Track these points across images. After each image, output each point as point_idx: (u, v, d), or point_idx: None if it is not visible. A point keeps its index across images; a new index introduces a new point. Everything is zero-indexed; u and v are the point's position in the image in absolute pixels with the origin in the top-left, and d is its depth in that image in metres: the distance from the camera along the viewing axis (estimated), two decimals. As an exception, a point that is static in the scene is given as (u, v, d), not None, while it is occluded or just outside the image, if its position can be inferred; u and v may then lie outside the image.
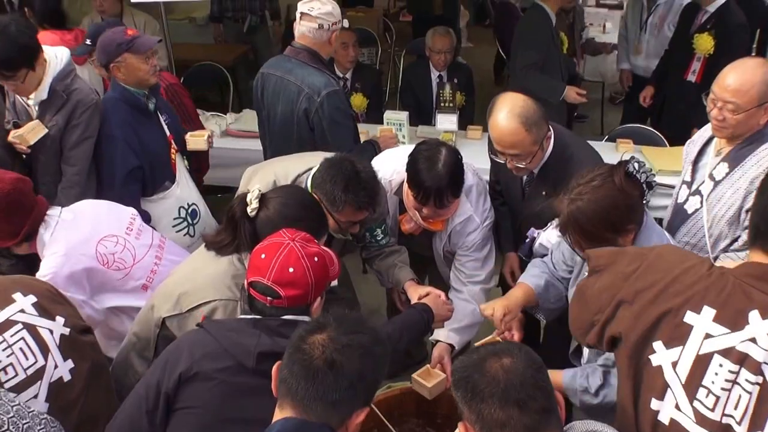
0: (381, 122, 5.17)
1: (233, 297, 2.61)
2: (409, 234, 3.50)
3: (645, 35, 6.46)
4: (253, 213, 2.59)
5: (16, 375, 2.33)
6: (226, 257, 2.68)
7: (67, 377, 2.45)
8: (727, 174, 3.15)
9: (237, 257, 2.68)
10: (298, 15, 3.97)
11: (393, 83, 8.23)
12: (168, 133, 4.10)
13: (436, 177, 3.11)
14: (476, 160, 3.83)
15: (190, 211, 4.19)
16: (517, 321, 3.15)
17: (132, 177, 3.87)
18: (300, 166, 3.28)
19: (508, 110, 3.08)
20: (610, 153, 5.25)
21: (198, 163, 4.43)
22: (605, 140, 5.70)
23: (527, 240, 3.37)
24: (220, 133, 5.27)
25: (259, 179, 3.28)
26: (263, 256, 2.23)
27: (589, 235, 2.50)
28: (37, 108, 3.76)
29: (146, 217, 3.89)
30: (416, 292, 3.30)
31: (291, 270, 2.20)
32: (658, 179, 4.55)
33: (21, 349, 2.35)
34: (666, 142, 5.40)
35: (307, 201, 2.72)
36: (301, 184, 3.18)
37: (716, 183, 3.18)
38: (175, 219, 4.12)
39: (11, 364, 2.32)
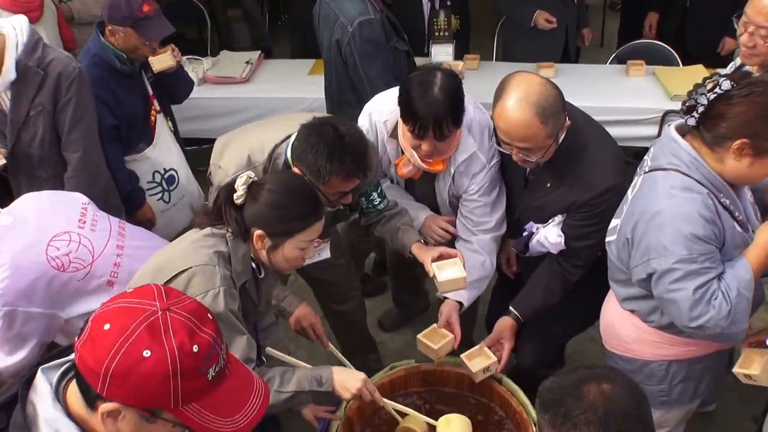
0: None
1: (210, 263, 2.38)
2: (409, 180, 3.25)
3: None
4: (240, 201, 2.39)
5: None
6: (208, 229, 2.48)
7: None
8: None
9: (216, 230, 2.46)
10: None
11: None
12: (151, 92, 3.83)
13: (433, 103, 2.75)
14: (475, 94, 3.42)
15: (166, 176, 3.96)
16: (508, 330, 3.03)
17: (109, 137, 3.62)
18: (276, 135, 2.98)
19: (522, 97, 2.57)
20: (618, 76, 4.97)
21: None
22: (610, 61, 5.34)
23: (524, 234, 3.03)
24: (198, 81, 4.95)
25: (232, 153, 3.01)
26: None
27: None
28: (9, 94, 3.29)
29: (134, 177, 3.78)
30: (427, 256, 3.02)
31: (106, 327, 1.47)
32: (673, 106, 4.30)
33: None
34: (679, 61, 5.03)
35: (297, 185, 2.48)
36: (279, 157, 2.93)
37: None
38: (148, 183, 3.91)
39: None
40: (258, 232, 2.38)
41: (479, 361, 2.95)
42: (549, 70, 4.92)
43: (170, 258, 2.46)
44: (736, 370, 2.55)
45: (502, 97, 2.62)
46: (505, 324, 3.07)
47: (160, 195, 3.95)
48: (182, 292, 1.91)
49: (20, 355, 2.80)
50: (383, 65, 3.70)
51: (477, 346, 3.00)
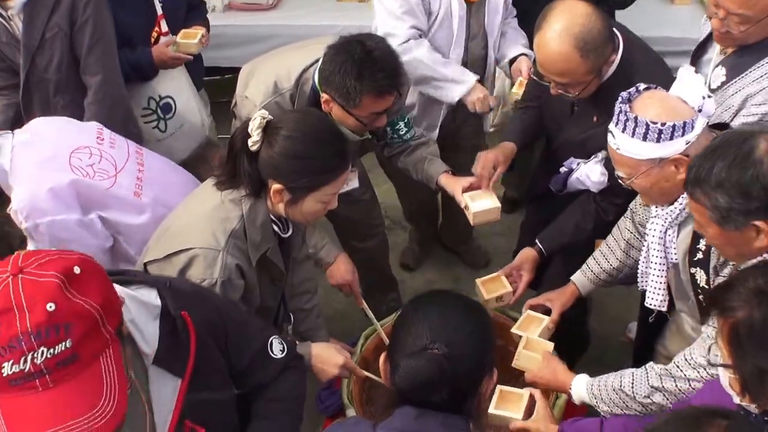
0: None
1: (215, 246, 2.21)
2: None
3: None
4: (255, 147, 2.18)
5: None
6: (221, 195, 2.29)
7: None
8: (723, 84, 2.64)
9: (232, 198, 2.28)
10: None
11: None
12: (159, 12, 3.61)
13: None
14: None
15: (161, 104, 3.73)
16: (529, 262, 2.96)
17: None
18: (303, 60, 2.85)
19: (563, 28, 2.46)
20: (662, 4, 4.73)
21: None
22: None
23: (563, 171, 2.89)
24: (223, 7, 4.90)
25: (257, 82, 2.89)
26: None
27: None
28: (21, 17, 3.14)
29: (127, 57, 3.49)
30: (458, 185, 2.93)
31: None
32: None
33: None
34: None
35: (321, 129, 2.26)
36: (307, 83, 2.81)
37: (711, 91, 2.64)
38: (144, 109, 3.69)
39: None
40: (276, 186, 2.20)
41: (494, 288, 2.88)
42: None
43: (180, 227, 2.33)
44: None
45: (542, 26, 2.52)
46: (527, 255, 2.98)
47: (155, 123, 3.72)
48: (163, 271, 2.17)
49: None
50: None
51: (494, 274, 2.94)
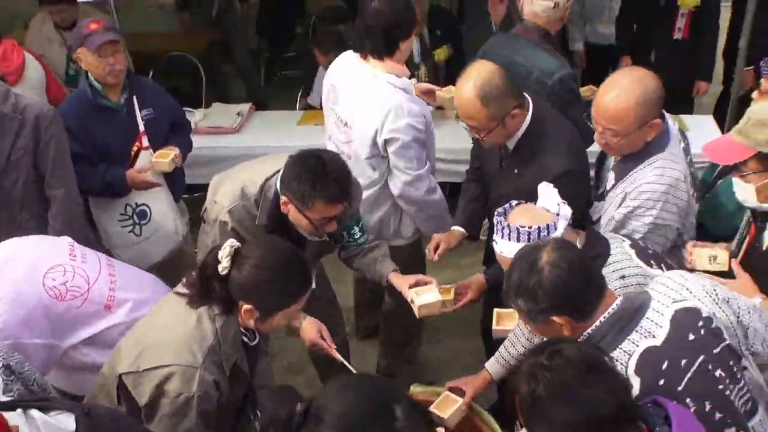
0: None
1: (193, 363, 2.42)
2: None
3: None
4: (225, 272, 2.44)
5: None
6: (197, 313, 2.50)
7: None
8: (612, 187, 3.03)
9: (208, 315, 2.50)
10: None
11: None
12: (141, 129, 3.89)
13: None
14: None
15: (137, 210, 4.04)
16: (477, 285, 3.38)
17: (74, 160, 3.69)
18: (268, 169, 3.14)
19: (471, 80, 3.00)
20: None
21: None
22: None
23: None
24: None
25: (226, 188, 3.17)
26: None
27: None
28: None
29: (101, 171, 3.81)
30: (405, 282, 3.23)
31: None
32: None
33: None
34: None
35: (285, 259, 2.51)
36: (270, 189, 3.08)
37: (605, 192, 3.10)
38: (120, 215, 4.02)
39: None
40: (246, 306, 2.44)
41: (444, 295, 3.24)
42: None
43: (159, 343, 2.47)
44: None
45: (459, 80, 3.07)
46: (477, 279, 3.43)
47: (131, 228, 4.03)
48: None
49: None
50: (580, 111, 3.80)
51: (448, 286, 3.32)
